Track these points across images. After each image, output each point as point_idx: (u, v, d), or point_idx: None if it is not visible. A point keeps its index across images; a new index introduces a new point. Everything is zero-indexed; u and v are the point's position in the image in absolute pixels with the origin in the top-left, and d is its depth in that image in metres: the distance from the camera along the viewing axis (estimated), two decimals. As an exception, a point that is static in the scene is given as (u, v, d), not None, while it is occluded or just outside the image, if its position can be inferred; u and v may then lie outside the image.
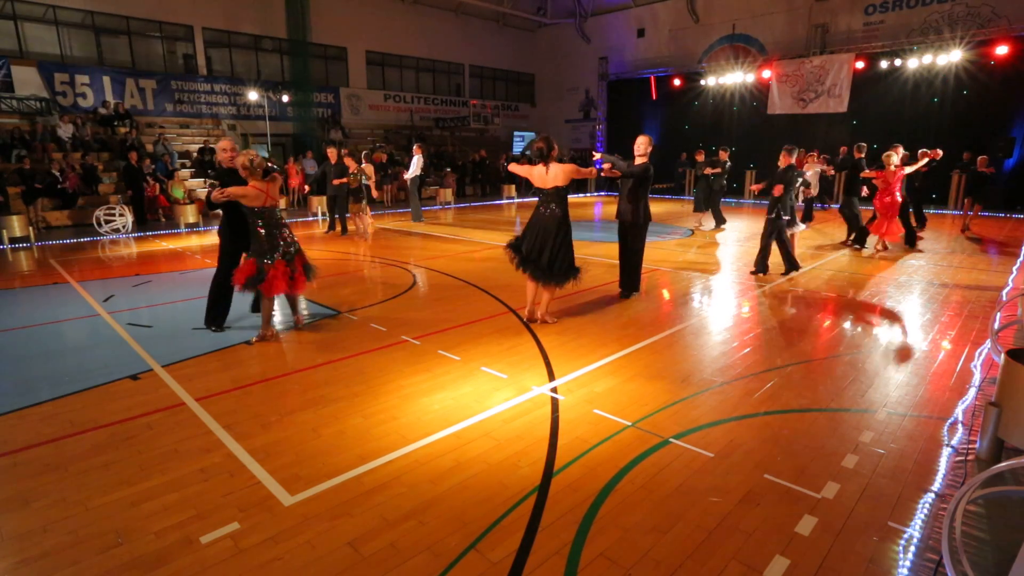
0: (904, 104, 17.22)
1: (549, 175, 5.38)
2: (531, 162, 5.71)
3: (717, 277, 7.97)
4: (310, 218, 14.79)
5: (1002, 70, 15.39)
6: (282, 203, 17.07)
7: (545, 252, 5.41)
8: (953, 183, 16.25)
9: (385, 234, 12.30)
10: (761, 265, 7.86)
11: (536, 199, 5.63)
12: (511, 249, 5.63)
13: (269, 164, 5.23)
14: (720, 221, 13.41)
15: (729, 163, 12.90)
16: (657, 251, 10.11)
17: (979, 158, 11.58)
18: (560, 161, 5.47)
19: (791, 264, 7.81)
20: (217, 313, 5.58)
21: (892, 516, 2.73)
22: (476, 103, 26.19)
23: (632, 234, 6.56)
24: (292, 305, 5.75)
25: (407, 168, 20.42)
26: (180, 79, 18.04)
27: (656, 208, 15.57)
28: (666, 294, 7.09)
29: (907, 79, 16.94)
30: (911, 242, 10.10)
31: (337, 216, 12.34)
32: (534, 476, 3.06)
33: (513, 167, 5.94)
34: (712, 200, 12.96)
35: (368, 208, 11.96)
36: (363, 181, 11.54)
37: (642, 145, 6.39)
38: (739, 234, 12.11)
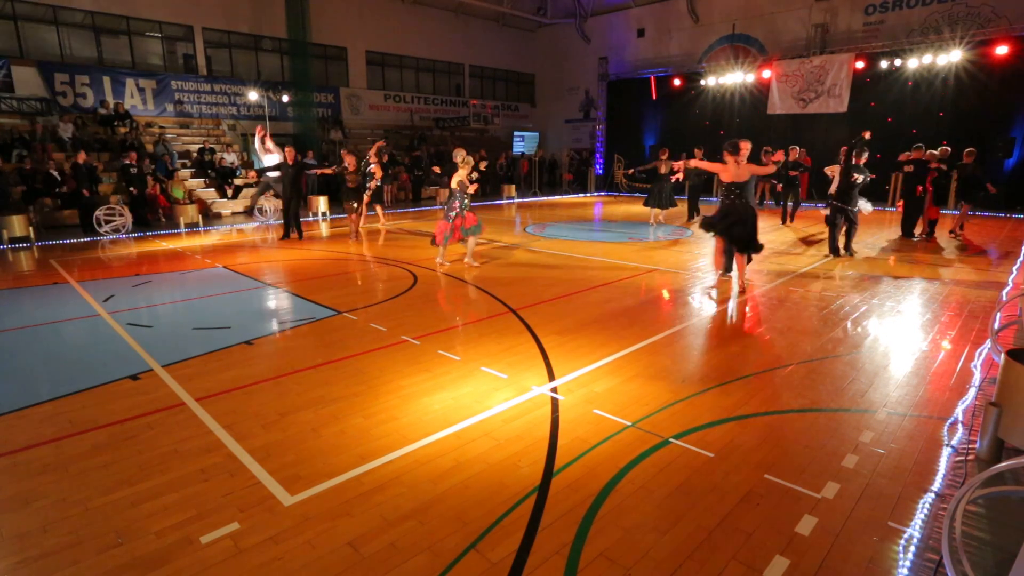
0: (904, 104, 17.20)
1: (742, 171, 6.60)
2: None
3: (717, 277, 7.97)
4: (310, 218, 14.78)
5: (1002, 70, 15.38)
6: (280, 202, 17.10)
7: (748, 231, 6.71)
8: (952, 184, 16.23)
9: (385, 234, 12.30)
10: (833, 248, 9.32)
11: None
12: (717, 232, 6.98)
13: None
14: (692, 215, 14.43)
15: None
16: (658, 251, 10.11)
17: (965, 151, 11.49)
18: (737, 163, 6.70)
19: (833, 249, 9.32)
20: None
21: (892, 516, 2.73)
22: (476, 103, 26.18)
23: (753, 217, 7.28)
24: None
25: (405, 168, 20.57)
26: (180, 79, 18.03)
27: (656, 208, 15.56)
28: (666, 294, 7.09)
29: (907, 79, 16.92)
30: (909, 233, 11.20)
31: (293, 221, 11.45)
32: (534, 476, 3.07)
33: (701, 163, 7.09)
34: (692, 194, 14.41)
35: (360, 207, 11.56)
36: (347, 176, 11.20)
37: (746, 149, 7.14)
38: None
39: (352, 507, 2.81)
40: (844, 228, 9.29)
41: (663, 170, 13.25)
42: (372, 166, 11.95)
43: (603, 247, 10.50)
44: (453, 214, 8.21)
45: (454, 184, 8.20)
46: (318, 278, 8.04)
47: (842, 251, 9.33)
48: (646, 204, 13.57)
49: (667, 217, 14.26)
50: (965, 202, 11.69)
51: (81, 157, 12.67)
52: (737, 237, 6.83)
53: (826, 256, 9.30)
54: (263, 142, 11.93)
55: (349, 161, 11.30)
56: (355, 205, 11.45)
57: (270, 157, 11.70)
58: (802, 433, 3.51)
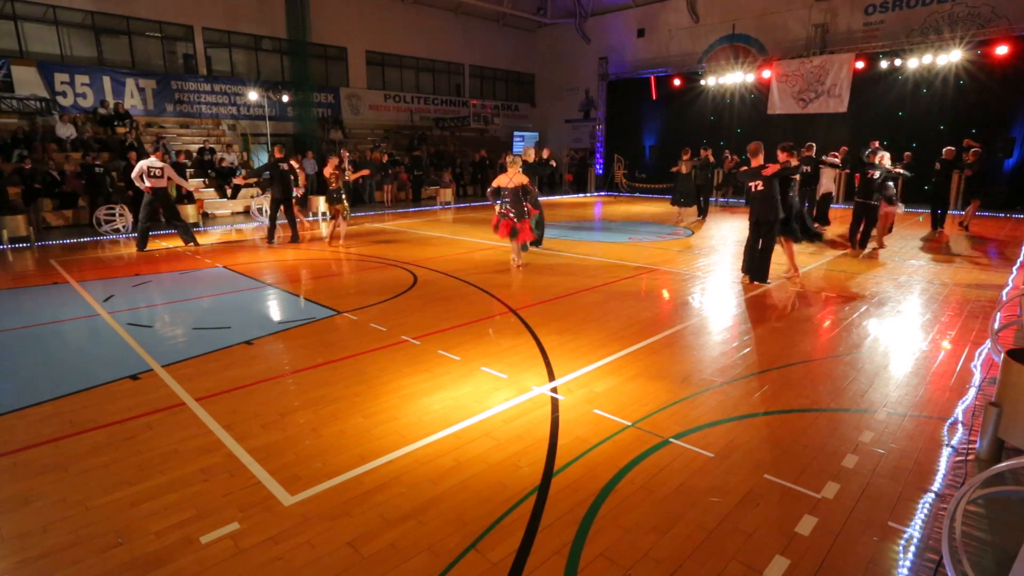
0: (904, 104, 17.19)
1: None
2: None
3: (717, 277, 7.97)
4: (310, 217, 14.78)
5: (1002, 70, 15.37)
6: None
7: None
8: (953, 183, 16.22)
9: (384, 234, 12.31)
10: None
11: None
12: (800, 234, 7.57)
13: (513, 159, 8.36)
14: (703, 214, 14.61)
15: (712, 161, 14.50)
16: (657, 251, 10.11)
17: (971, 150, 11.64)
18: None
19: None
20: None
21: (892, 516, 2.73)
22: (476, 103, 26.17)
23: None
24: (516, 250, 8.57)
25: (406, 168, 20.54)
26: (180, 79, 18.02)
27: (656, 208, 15.64)
28: (666, 294, 7.09)
29: (907, 79, 16.91)
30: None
31: (287, 221, 11.33)
32: (534, 476, 3.07)
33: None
34: (701, 193, 14.47)
35: (341, 210, 10.87)
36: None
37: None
38: (739, 234, 12.09)
39: (352, 507, 2.81)
40: (863, 223, 9.78)
41: (685, 170, 13.47)
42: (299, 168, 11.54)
43: (603, 247, 10.50)
44: (511, 215, 8.19)
45: (513, 184, 8.11)
46: (318, 278, 8.04)
47: (856, 245, 9.79)
48: (673, 203, 14.24)
49: (672, 216, 14.43)
50: (975, 198, 11.87)
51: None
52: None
53: (837, 253, 9.64)
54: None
55: (330, 163, 10.93)
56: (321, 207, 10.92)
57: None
58: (802, 433, 3.51)
